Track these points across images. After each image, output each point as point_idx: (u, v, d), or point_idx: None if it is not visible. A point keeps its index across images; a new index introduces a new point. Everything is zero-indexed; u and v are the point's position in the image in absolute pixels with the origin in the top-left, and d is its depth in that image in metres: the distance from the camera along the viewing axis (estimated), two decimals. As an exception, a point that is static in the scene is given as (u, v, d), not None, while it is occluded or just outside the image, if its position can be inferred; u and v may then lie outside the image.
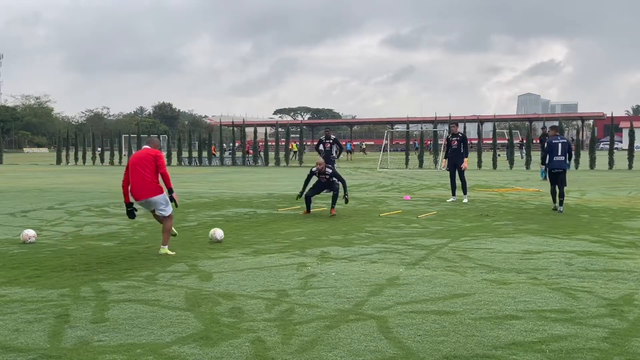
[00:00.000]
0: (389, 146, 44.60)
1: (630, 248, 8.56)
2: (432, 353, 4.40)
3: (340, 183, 13.25)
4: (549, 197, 16.35)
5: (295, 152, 47.79)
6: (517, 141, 54.26)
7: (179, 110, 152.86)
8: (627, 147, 34.38)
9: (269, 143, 44.94)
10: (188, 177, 28.28)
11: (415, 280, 6.65)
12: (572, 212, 13.04)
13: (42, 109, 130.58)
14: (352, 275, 6.90)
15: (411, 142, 43.85)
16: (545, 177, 14.28)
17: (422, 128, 58.33)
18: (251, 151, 46.95)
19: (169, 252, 8.36)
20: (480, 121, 53.97)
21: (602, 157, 37.18)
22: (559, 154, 13.43)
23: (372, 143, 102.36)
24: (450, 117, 42.01)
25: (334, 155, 19.01)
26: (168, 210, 8.50)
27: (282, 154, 45.76)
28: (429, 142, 45.51)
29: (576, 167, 33.36)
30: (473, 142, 54.84)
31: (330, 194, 13.43)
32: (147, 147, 8.74)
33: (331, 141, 18.95)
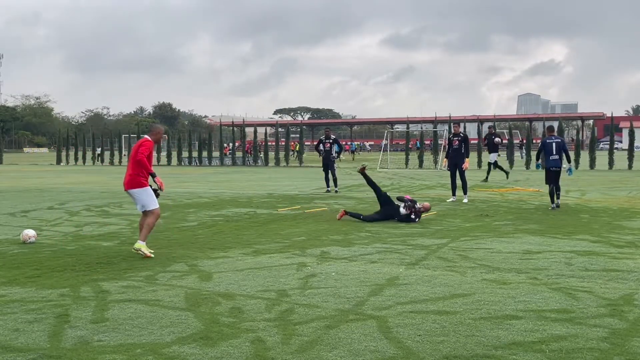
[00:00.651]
0: (389, 146, 44.61)
1: (630, 248, 8.56)
2: (432, 353, 4.40)
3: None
4: (549, 197, 16.37)
5: (296, 152, 47.76)
6: (517, 141, 54.24)
7: (179, 110, 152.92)
8: (627, 147, 34.38)
9: (269, 143, 44.95)
10: (188, 177, 28.28)
11: (415, 280, 6.65)
12: (572, 212, 13.05)
13: (42, 109, 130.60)
14: (352, 275, 6.90)
15: (411, 143, 43.81)
16: (542, 167, 15.24)
17: (422, 128, 58.34)
18: (251, 151, 46.95)
19: (145, 251, 8.05)
20: (480, 121, 53.95)
21: (602, 157, 37.18)
22: (554, 153, 14.30)
23: (372, 143, 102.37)
24: (450, 117, 42.01)
25: (334, 155, 19.04)
26: (148, 205, 8.22)
27: (282, 154, 45.76)
28: (429, 142, 45.50)
29: (576, 167, 33.37)
30: (473, 142, 54.87)
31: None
32: (147, 136, 8.58)
33: (331, 141, 19.16)
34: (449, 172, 15.77)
